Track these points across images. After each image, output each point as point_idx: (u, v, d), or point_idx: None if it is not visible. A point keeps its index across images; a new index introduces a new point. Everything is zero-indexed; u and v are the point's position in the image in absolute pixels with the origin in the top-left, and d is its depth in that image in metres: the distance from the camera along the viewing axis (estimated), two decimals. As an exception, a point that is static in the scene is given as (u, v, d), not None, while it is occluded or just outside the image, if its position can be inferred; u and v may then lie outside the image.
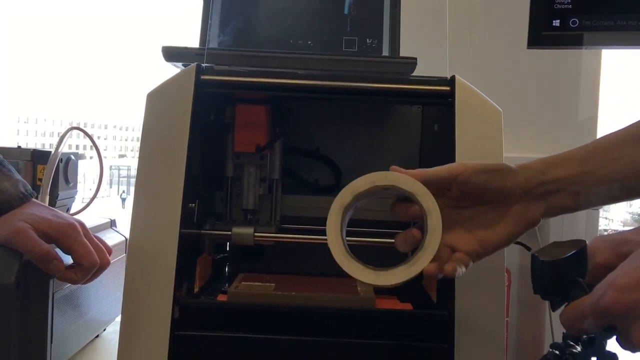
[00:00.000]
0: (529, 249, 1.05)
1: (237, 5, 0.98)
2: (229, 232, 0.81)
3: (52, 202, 0.99)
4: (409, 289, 0.86)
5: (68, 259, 0.68)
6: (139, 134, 0.73)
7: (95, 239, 0.71)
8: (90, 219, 0.96)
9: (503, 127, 0.75)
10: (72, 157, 1.07)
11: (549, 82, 1.34)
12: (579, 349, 0.56)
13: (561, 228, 1.26)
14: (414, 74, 0.83)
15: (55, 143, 1.00)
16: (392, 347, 0.71)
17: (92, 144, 1.11)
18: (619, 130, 0.64)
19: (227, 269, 0.99)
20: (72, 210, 1.09)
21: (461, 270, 0.60)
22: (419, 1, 1.29)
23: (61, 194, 1.02)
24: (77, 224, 0.69)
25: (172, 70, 0.87)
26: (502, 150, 0.74)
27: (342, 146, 0.99)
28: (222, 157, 0.87)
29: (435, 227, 0.59)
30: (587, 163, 0.62)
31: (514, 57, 1.32)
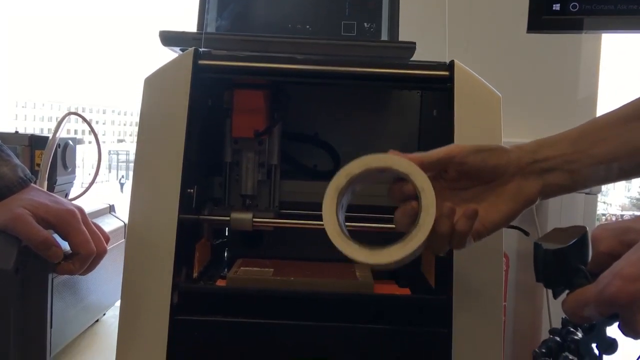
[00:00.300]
0: (527, 233, 1.05)
1: (235, -11, 0.97)
2: (228, 218, 0.81)
3: (51, 188, 0.99)
4: (407, 274, 0.87)
5: (67, 245, 0.68)
6: (137, 118, 0.73)
7: (93, 226, 0.71)
8: (89, 204, 0.96)
9: (502, 112, 0.75)
10: (70, 143, 1.06)
11: (549, 68, 1.33)
12: (579, 335, 0.56)
13: (559, 212, 1.26)
14: (412, 58, 0.83)
15: (53, 128, 0.99)
16: (391, 332, 0.72)
17: (90, 130, 1.10)
18: (613, 111, 0.64)
19: (226, 254, 0.99)
20: (71, 196, 1.09)
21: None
22: (418, -15, 1.28)
23: (59, 179, 1.02)
24: (75, 210, 0.69)
25: (171, 54, 0.87)
26: (501, 136, 0.74)
27: (340, 132, 0.99)
28: (220, 142, 0.87)
29: (429, 205, 0.59)
30: (579, 142, 0.63)
31: (514, 41, 1.31)
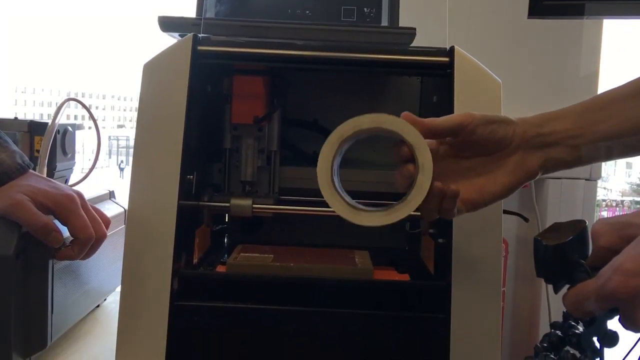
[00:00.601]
0: (526, 219, 1.05)
1: (234, -27, 0.96)
2: (228, 204, 0.81)
3: (50, 174, 0.99)
4: (406, 261, 0.87)
5: (67, 231, 0.68)
6: (137, 104, 0.73)
7: (93, 211, 0.71)
8: (89, 190, 0.96)
9: (502, 98, 0.75)
10: (70, 129, 1.06)
11: (549, 55, 1.32)
12: (580, 329, 0.57)
13: (559, 198, 1.27)
14: (413, 44, 0.83)
15: (52, 113, 0.99)
16: (390, 318, 0.72)
17: (89, 116, 1.10)
18: (617, 87, 0.64)
19: (225, 241, 0.99)
20: (71, 182, 1.09)
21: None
22: (418, -30, 1.27)
23: (59, 165, 1.02)
24: (75, 195, 0.69)
25: (170, 40, 0.86)
26: (500, 122, 0.74)
27: (340, 117, 0.98)
28: (220, 128, 0.86)
29: (423, 187, 0.59)
30: (583, 118, 0.63)
31: (514, 27, 1.30)
